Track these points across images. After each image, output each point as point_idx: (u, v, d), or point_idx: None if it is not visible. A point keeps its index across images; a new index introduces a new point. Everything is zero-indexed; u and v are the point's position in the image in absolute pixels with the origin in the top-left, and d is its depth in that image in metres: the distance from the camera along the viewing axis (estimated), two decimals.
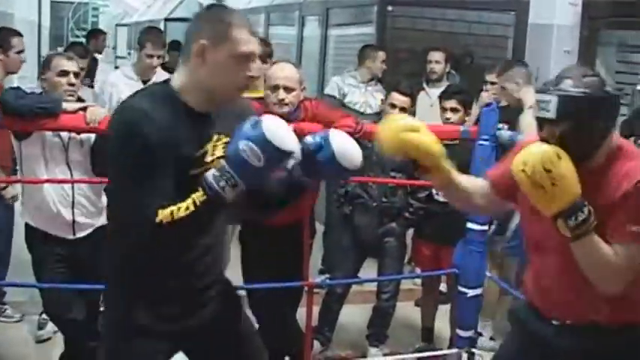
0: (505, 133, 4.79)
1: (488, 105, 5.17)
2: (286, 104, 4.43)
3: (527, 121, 5.03)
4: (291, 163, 2.68)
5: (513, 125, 5.12)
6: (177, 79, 2.70)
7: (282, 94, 4.42)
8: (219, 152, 2.73)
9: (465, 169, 5.01)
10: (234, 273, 5.96)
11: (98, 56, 10.68)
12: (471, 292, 4.77)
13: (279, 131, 2.53)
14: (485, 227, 4.73)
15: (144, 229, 2.56)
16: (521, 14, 7.60)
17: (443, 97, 5.45)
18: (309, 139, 2.75)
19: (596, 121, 2.74)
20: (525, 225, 3.13)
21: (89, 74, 7.61)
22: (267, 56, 5.52)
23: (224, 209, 2.63)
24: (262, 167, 2.50)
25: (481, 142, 4.66)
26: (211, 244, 2.86)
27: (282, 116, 4.33)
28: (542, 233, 2.87)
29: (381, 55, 7.21)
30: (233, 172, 2.51)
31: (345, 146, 2.74)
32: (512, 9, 7.77)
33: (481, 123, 4.75)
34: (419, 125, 2.98)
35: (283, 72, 4.49)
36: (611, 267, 2.70)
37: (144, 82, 5.80)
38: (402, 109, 5.21)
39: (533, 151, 2.67)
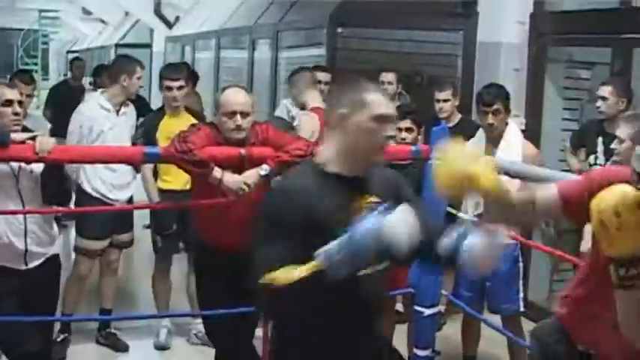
0: None
1: (438, 124, 5.19)
2: (243, 130, 4.42)
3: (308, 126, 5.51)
4: None
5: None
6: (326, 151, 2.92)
7: (239, 120, 4.40)
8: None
9: (418, 188, 5.08)
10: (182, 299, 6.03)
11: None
12: (427, 312, 4.76)
13: (403, 229, 2.59)
14: None
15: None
16: (470, 33, 7.66)
17: (396, 117, 5.45)
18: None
19: None
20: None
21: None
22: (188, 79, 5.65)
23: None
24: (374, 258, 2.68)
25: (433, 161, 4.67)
26: None
27: (238, 141, 4.37)
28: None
29: (321, 76, 7.15)
30: (354, 255, 2.58)
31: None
32: (460, 28, 7.83)
33: (432, 142, 4.76)
34: (477, 153, 2.99)
35: (239, 98, 4.48)
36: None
37: (117, 113, 5.75)
38: None
39: (614, 190, 2.57)
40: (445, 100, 6.53)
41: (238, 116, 4.40)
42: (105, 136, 5.63)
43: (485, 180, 2.79)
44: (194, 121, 5.43)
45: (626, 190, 2.55)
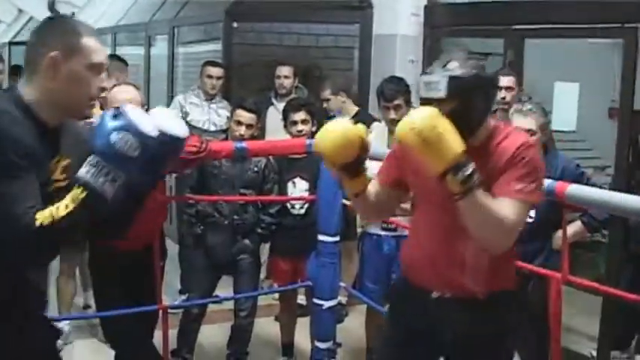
0: None
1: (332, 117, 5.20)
2: None
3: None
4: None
5: None
6: (29, 94, 2.58)
7: None
8: (57, 175, 2.62)
9: (314, 180, 5.09)
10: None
11: None
12: (326, 304, 4.77)
13: (144, 119, 2.49)
14: (337, 238, 4.74)
15: (21, 235, 2.40)
16: (366, 26, 7.69)
17: (290, 110, 5.45)
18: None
19: (481, 100, 2.92)
20: (415, 199, 3.33)
21: None
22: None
23: (100, 211, 2.49)
24: (138, 157, 2.44)
25: None
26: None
27: None
28: (430, 202, 3.06)
29: (210, 70, 7.15)
30: (112, 165, 2.42)
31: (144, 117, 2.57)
32: (356, 21, 7.85)
33: None
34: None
35: (124, 94, 4.41)
36: (499, 222, 2.78)
37: None
38: (249, 126, 5.22)
39: (419, 111, 2.76)
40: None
41: None
42: None
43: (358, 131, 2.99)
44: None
45: (425, 108, 2.79)
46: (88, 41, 2.58)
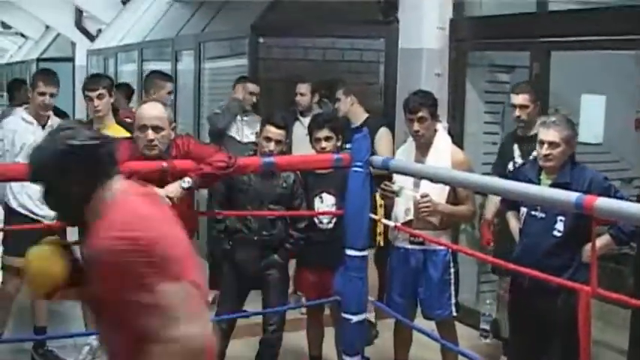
0: (377, 158, 4.86)
1: (359, 131, 5.21)
2: (155, 145, 4.38)
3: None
4: None
5: None
6: None
7: (151, 134, 4.36)
8: None
9: (340, 195, 5.11)
10: None
11: None
12: (354, 318, 4.78)
13: None
14: (365, 253, 4.75)
15: None
16: (391, 40, 7.70)
17: (313, 127, 5.47)
18: None
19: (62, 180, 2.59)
20: None
21: None
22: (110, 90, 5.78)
23: None
24: None
25: (355, 168, 4.70)
26: None
27: (153, 157, 4.33)
28: None
29: (250, 87, 7.23)
30: None
31: None
32: (381, 35, 7.87)
33: (353, 150, 4.79)
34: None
35: (151, 111, 4.44)
36: None
37: (42, 127, 5.74)
38: (278, 142, 5.22)
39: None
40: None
41: (149, 130, 4.36)
42: (29, 150, 5.57)
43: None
44: (122, 131, 5.39)
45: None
46: None
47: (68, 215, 2.64)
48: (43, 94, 5.71)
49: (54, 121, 5.83)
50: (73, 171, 2.57)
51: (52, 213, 5.67)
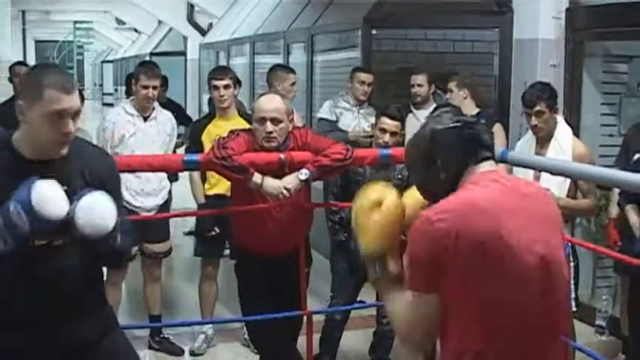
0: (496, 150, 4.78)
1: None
2: (274, 137, 4.41)
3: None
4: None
5: None
6: (16, 132, 2.97)
7: (269, 126, 4.38)
8: None
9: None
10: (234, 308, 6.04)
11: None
12: None
13: (46, 198, 2.73)
14: None
15: None
16: (505, 30, 7.60)
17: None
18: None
19: (429, 161, 2.57)
20: None
21: None
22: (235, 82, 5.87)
23: None
24: (29, 231, 2.72)
25: None
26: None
27: (271, 149, 4.37)
28: None
29: (361, 76, 7.16)
30: (5, 231, 2.71)
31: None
32: (495, 25, 7.77)
33: None
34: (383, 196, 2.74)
35: (269, 104, 4.46)
36: (399, 316, 2.59)
37: (144, 119, 5.85)
38: (393, 134, 5.20)
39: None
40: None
41: (268, 123, 4.39)
42: (127, 141, 5.74)
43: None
44: (244, 123, 5.44)
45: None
46: (49, 92, 2.83)
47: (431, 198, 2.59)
48: (145, 87, 5.78)
49: (161, 115, 5.96)
50: (436, 156, 2.55)
51: (149, 204, 5.87)
